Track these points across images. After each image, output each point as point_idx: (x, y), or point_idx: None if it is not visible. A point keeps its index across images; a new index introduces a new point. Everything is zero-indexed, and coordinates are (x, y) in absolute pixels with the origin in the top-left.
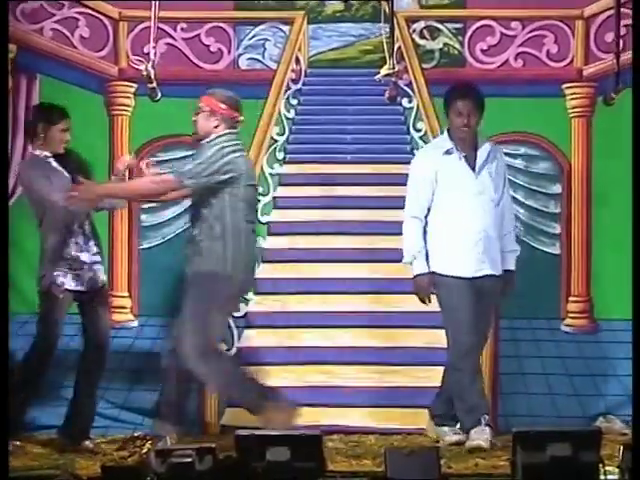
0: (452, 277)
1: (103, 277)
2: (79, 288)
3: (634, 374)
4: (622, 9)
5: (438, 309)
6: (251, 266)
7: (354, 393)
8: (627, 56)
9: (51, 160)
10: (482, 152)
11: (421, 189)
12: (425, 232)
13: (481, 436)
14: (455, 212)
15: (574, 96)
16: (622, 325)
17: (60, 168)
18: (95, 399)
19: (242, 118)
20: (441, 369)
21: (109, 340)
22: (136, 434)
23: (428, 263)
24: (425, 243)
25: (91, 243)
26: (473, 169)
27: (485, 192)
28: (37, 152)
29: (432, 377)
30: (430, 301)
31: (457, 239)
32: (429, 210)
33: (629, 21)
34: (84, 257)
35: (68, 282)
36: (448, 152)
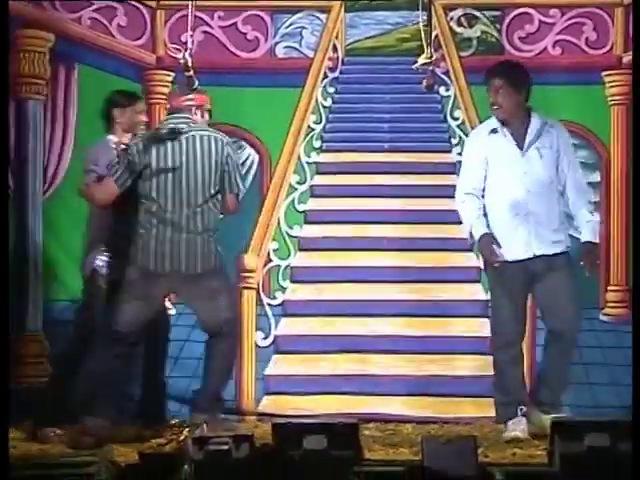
0: (500, 262)
1: None
2: None
3: (634, 377)
4: None
5: (475, 298)
6: (166, 257)
7: (391, 381)
8: None
9: (114, 147)
10: (532, 128)
11: (473, 169)
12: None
13: (518, 427)
14: (501, 192)
15: (613, 84)
16: None
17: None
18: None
19: (180, 103)
20: (478, 357)
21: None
22: (173, 421)
23: (488, 225)
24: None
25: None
26: (521, 147)
27: (532, 170)
28: (112, 137)
29: (469, 366)
30: (499, 258)
31: (503, 220)
32: (483, 191)
33: None
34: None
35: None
36: (494, 131)
